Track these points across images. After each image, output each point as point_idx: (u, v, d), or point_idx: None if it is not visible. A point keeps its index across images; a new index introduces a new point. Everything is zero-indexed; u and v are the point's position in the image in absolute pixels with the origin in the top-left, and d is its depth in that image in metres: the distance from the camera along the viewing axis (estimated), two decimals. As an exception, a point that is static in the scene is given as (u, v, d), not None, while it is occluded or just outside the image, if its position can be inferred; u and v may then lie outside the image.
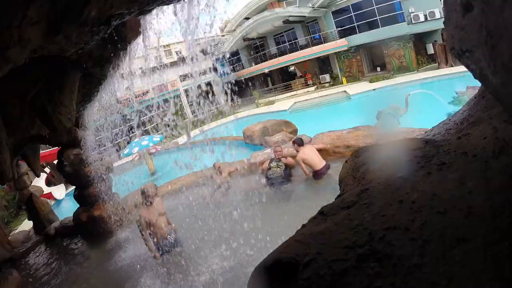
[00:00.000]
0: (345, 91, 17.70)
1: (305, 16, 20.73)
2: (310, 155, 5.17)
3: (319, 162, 5.14)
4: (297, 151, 5.39)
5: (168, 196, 6.81)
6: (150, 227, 4.01)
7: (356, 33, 19.78)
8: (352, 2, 19.47)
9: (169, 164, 11.88)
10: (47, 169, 11.17)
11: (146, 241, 3.99)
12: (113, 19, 2.49)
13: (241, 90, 23.76)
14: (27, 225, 9.24)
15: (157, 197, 4.32)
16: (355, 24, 19.88)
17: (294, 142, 5.55)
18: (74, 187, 6.27)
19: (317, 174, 5.13)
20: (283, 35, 24.36)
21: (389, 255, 0.60)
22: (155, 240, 4.03)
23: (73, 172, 5.71)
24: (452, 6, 0.69)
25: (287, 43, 24.11)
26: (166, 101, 18.16)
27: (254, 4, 23.36)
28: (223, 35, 27.58)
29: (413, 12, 17.21)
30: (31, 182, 8.31)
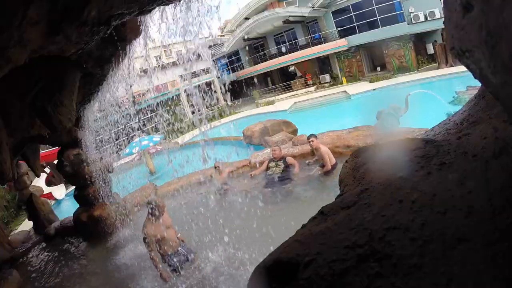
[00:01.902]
0: (345, 91, 17.71)
1: (305, 16, 20.73)
2: (329, 151, 5.40)
3: (333, 158, 5.39)
4: (313, 145, 5.50)
5: (168, 196, 6.81)
6: (159, 243, 3.62)
7: (356, 33, 19.79)
8: (352, 2, 19.47)
9: (169, 164, 11.89)
10: (47, 169, 11.16)
11: (154, 262, 3.55)
12: (113, 19, 2.49)
13: (241, 90, 23.81)
14: (27, 225, 9.23)
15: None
16: (355, 24, 19.88)
17: (312, 137, 5.55)
18: (74, 187, 6.27)
19: (331, 169, 5.30)
20: (283, 35, 24.35)
21: (389, 255, 0.60)
22: (165, 256, 3.66)
23: (73, 172, 5.70)
24: (452, 6, 0.69)
25: (287, 43, 24.10)
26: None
27: (254, 4, 23.37)
28: (223, 35, 27.60)
29: (413, 12, 17.22)
30: (31, 182, 8.30)
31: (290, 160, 5.81)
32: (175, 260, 3.68)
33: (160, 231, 3.65)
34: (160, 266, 3.57)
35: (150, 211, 3.70)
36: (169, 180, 7.88)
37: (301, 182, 5.49)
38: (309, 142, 5.54)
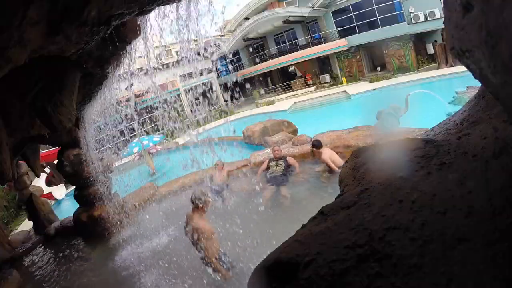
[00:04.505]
0: (345, 91, 17.71)
1: (305, 16, 20.74)
2: (334, 154, 5.33)
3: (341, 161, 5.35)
4: (316, 153, 5.49)
5: (168, 197, 6.82)
6: (212, 239, 3.23)
7: (356, 33, 19.79)
8: (352, 2, 19.47)
9: (169, 164, 11.89)
10: (47, 169, 11.16)
11: (211, 260, 3.10)
12: (113, 19, 2.49)
13: (242, 90, 23.80)
14: (27, 225, 9.23)
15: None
16: (355, 24, 19.89)
17: (313, 145, 5.55)
18: (74, 187, 6.27)
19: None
20: (283, 35, 24.36)
21: (389, 255, 0.60)
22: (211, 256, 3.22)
23: (73, 172, 5.70)
24: (452, 6, 0.69)
25: (287, 43, 24.11)
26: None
27: (254, 4, 23.38)
28: (223, 35, 27.61)
29: (413, 12, 17.22)
30: (31, 182, 8.30)
31: (290, 160, 5.81)
32: (224, 260, 3.36)
33: (211, 226, 3.30)
34: (218, 264, 3.23)
35: (199, 204, 3.31)
36: (169, 180, 7.88)
37: (302, 181, 5.49)
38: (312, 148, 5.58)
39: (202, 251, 3.17)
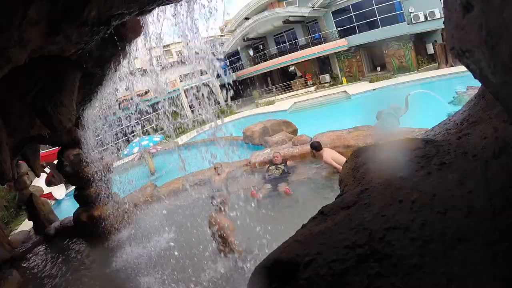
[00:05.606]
0: (345, 91, 17.71)
1: (305, 16, 20.74)
2: (335, 153, 5.24)
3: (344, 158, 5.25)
4: (316, 155, 5.44)
5: (168, 197, 6.81)
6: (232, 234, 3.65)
7: (356, 33, 19.80)
8: (352, 2, 19.48)
9: (169, 164, 11.89)
10: (47, 169, 11.16)
11: (231, 243, 3.49)
12: (113, 19, 2.49)
13: (242, 90, 23.82)
14: (27, 225, 9.23)
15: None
16: (355, 24, 19.90)
17: (312, 148, 5.45)
18: (74, 187, 6.27)
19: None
20: (283, 35, 24.37)
21: (389, 255, 0.60)
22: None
23: (73, 172, 5.70)
24: (452, 6, 0.69)
25: (287, 43, 24.12)
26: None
27: (254, 4, 23.37)
28: (223, 35, 27.61)
29: (413, 12, 17.23)
30: (31, 182, 8.30)
31: (290, 163, 5.86)
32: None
33: (231, 221, 3.69)
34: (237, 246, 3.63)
35: (219, 205, 3.76)
36: (169, 180, 7.88)
37: (302, 181, 5.48)
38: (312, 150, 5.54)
39: (222, 244, 3.61)
